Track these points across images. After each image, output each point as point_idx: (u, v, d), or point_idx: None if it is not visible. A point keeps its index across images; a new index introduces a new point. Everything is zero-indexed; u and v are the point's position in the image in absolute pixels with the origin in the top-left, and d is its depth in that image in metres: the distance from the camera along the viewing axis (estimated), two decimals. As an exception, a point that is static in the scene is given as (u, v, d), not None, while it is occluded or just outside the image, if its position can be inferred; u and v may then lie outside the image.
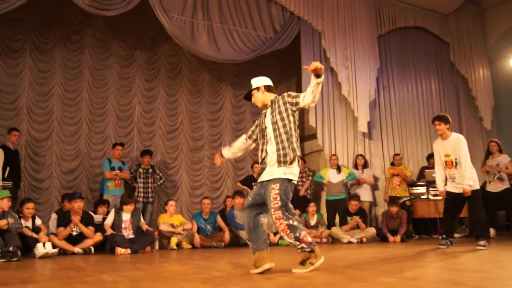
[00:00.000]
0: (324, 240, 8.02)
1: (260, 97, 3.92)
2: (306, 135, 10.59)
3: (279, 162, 3.62)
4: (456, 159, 5.74)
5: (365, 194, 8.72)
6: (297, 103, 3.70)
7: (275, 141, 3.70)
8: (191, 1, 8.22)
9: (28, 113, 8.10)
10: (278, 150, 3.66)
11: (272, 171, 3.65)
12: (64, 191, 7.92)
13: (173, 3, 7.98)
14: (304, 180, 8.93)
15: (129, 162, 8.56)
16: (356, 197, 8.09)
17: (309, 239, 3.55)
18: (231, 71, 10.18)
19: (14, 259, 5.32)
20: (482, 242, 5.59)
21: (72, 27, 8.61)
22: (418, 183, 9.00)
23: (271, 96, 3.92)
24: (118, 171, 7.81)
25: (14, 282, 3.37)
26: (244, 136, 4.13)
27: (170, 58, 9.58)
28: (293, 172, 3.64)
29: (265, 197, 3.63)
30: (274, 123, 3.74)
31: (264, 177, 3.71)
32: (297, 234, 3.49)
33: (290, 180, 3.63)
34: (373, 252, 5.57)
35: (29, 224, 6.29)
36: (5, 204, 5.80)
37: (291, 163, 3.61)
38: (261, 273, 3.46)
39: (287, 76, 10.67)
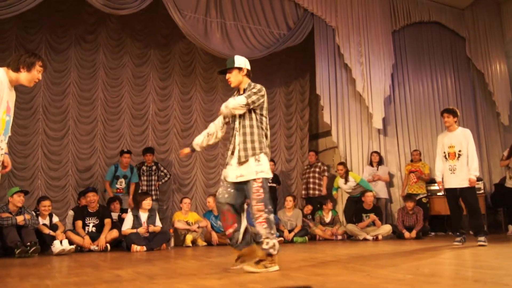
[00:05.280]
0: (340, 237, 7.99)
1: (239, 78, 3.82)
2: (320, 132, 10.53)
3: (239, 158, 3.57)
4: (460, 151, 5.85)
5: (380, 191, 8.65)
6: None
7: (242, 131, 3.64)
8: (204, -1, 8.22)
9: (44, 112, 8.17)
10: (242, 142, 3.60)
11: (247, 168, 3.55)
12: (80, 189, 7.96)
13: (186, 1, 7.96)
14: (320, 176, 8.90)
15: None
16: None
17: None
18: (244, 68, 10.14)
19: (32, 249, 5.49)
20: (482, 238, 5.61)
21: (86, 27, 8.66)
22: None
23: (247, 82, 3.83)
24: (117, 189, 7.90)
25: (32, 278, 3.41)
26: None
27: (184, 56, 9.59)
28: (264, 169, 3.54)
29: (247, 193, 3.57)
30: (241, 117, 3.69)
31: (242, 175, 3.58)
32: (272, 232, 3.43)
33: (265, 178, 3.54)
34: (389, 249, 5.53)
35: (47, 221, 6.38)
36: (17, 200, 5.90)
37: (258, 160, 3.53)
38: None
39: (301, 73, 10.59)
